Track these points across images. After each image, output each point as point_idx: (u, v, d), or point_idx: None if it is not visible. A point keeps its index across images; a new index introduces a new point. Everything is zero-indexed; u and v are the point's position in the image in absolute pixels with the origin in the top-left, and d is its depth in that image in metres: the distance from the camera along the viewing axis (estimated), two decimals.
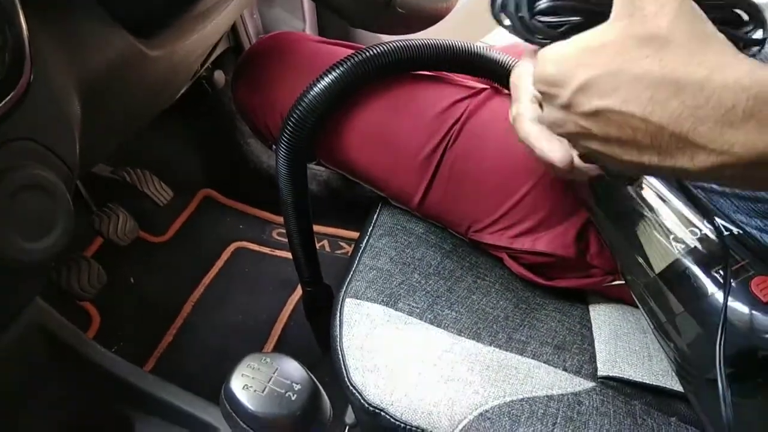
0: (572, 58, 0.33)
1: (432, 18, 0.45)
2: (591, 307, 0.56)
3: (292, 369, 0.38)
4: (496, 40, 1.41)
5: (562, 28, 0.35)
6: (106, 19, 0.48)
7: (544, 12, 0.36)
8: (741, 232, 0.43)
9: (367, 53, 0.55)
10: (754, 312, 0.39)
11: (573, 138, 0.36)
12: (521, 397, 0.48)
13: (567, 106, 0.33)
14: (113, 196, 1.02)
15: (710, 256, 0.42)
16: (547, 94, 0.35)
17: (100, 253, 1.01)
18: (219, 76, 0.98)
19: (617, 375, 0.50)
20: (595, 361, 0.51)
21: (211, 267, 1.05)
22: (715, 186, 0.48)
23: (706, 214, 0.44)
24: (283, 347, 0.94)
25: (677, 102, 0.29)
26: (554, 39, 0.35)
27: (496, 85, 0.60)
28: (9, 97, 0.37)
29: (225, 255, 1.07)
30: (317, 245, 1.09)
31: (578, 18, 0.35)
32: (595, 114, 0.32)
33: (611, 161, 0.34)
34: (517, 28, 0.37)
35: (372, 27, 0.51)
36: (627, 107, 0.31)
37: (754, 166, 0.29)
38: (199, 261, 1.05)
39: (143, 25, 0.51)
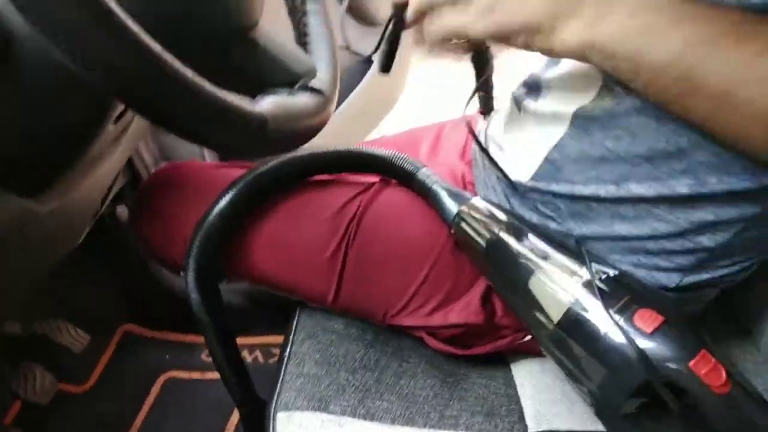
0: None
1: (306, 136, 0.49)
2: (512, 366, 0.59)
3: None
4: (391, 127, 1.50)
5: None
6: None
7: None
8: (617, 272, 0.48)
9: (259, 171, 0.58)
10: (642, 343, 0.43)
11: None
12: None
13: None
14: (26, 353, 0.97)
15: (596, 298, 0.46)
16: None
17: (20, 417, 0.94)
18: (121, 210, 0.98)
19: (546, 429, 0.52)
20: (524, 419, 0.53)
21: (142, 405, 1.00)
22: (587, 232, 0.53)
23: (584, 261, 0.49)
24: None
25: None
26: None
27: (383, 177, 0.65)
28: None
29: (155, 389, 1.02)
30: (249, 357, 1.07)
31: None
32: None
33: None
34: None
35: (249, 156, 0.54)
36: None
37: None
38: (128, 402, 1.00)
39: (29, 186, 0.51)
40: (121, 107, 0.52)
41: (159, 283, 1.08)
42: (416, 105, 1.78)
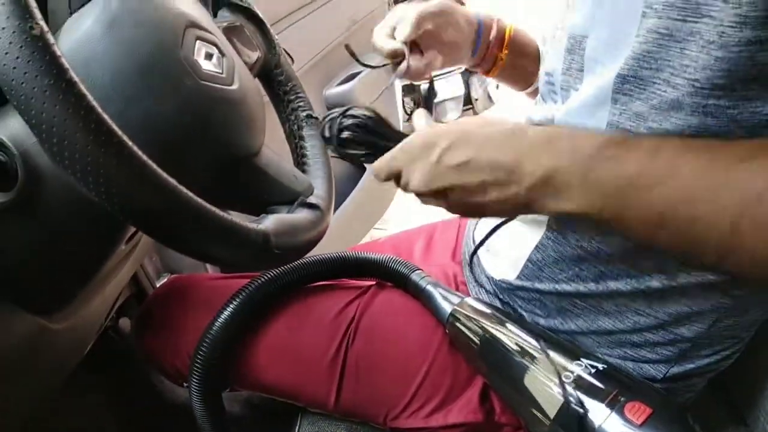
0: (431, 131, 0.48)
1: (306, 249, 0.53)
2: None
3: None
4: (383, 232, 1.55)
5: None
6: (8, 306, 0.51)
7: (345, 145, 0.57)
8: (606, 366, 0.50)
9: (260, 281, 0.61)
10: None
11: (443, 193, 0.47)
12: None
13: (438, 161, 0.45)
14: None
15: (587, 392, 0.48)
16: (417, 158, 0.48)
17: None
18: (124, 323, 1.00)
19: None
20: None
21: None
22: (574, 327, 0.56)
23: (575, 356, 0.52)
24: None
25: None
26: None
27: (379, 280, 0.68)
28: None
29: None
30: None
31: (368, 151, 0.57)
32: (460, 165, 0.44)
33: (476, 207, 0.46)
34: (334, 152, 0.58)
35: (252, 269, 0.58)
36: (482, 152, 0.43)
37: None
38: None
39: (43, 305, 0.54)
40: (132, 229, 0.56)
41: (159, 396, 1.07)
42: (413, 204, 1.85)
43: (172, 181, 0.40)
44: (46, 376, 0.65)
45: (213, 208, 0.43)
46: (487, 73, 0.74)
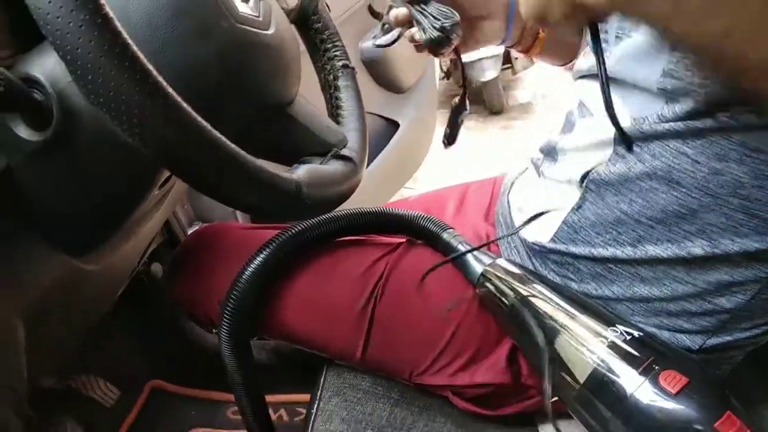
0: None
1: (338, 202, 0.52)
2: (539, 428, 0.59)
3: None
4: (421, 186, 1.54)
5: None
6: (44, 245, 0.52)
7: None
8: (641, 333, 0.49)
9: (289, 232, 0.61)
10: (667, 404, 0.43)
11: None
12: None
13: None
14: (59, 405, 0.99)
15: (621, 359, 0.47)
16: None
17: None
18: (156, 268, 1.02)
19: None
20: None
21: None
22: (608, 293, 0.55)
23: (610, 322, 0.50)
24: None
25: None
26: None
27: (409, 237, 0.67)
28: None
29: None
30: (274, 416, 1.07)
31: None
32: None
33: None
34: None
35: (282, 219, 0.58)
36: None
37: None
38: None
39: (79, 246, 0.55)
40: (165, 174, 0.56)
41: (188, 340, 1.10)
42: (443, 165, 1.83)
43: (207, 124, 0.40)
44: (80, 316, 0.67)
45: (247, 155, 0.42)
46: (527, 51, 0.70)
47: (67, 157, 0.48)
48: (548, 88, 2.79)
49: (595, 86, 0.55)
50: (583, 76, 0.59)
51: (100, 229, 0.56)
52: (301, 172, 0.48)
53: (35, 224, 0.51)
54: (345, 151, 0.56)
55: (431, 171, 1.73)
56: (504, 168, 0.82)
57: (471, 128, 2.66)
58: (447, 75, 2.74)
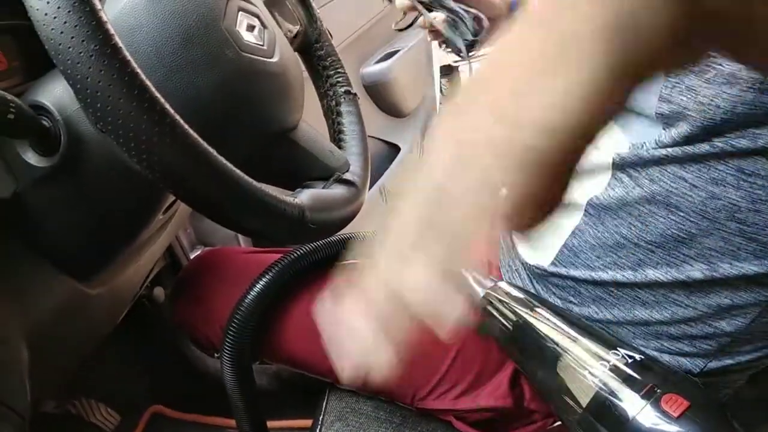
0: None
1: (341, 225, 0.53)
2: None
3: None
4: None
5: None
6: (49, 269, 0.52)
7: None
8: (643, 356, 0.49)
9: (291, 257, 0.62)
10: (669, 427, 0.43)
11: None
12: None
13: None
14: (59, 431, 0.98)
15: (623, 383, 0.47)
16: None
17: None
18: (158, 292, 1.02)
19: None
20: None
21: None
22: (609, 316, 0.55)
23: (611, 345, 0.51)
24: None
25: None
26: None
27: None
28: None
29: None
30: None
31: None
32: None
33: None
34: None
35: (285, 243, 0.58)
36: None
37: None
38: None
39: (84, 270, 0.55)
40: (170, 199, 0.56)
41: (190, 365, 1.10)
42: None
43: (212, 151, 0.41)
44: (83, 340, 0.67)
45: (251, 181, 0.43)
46: None
47: (74, 183, 0.49)
48: None
49: None
50: None
51: (104, 253, 0.57)
52: (304, 196, 0.49)
53: (41, 248, 0.52)
54: (347, 176, 0.57)
55: None
56: None
57: None
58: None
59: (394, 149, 1.37)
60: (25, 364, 0.49)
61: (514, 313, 0.56)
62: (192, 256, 1.06)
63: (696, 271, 0.48)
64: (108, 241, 0.55)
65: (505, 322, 0.56)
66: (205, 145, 0.40)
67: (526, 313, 0.56)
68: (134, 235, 0.56)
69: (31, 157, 0.46)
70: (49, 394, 0.92)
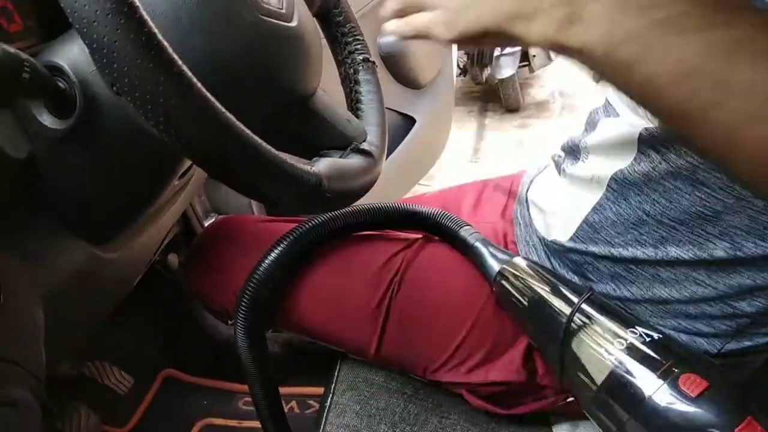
0: None
1: (357, 195, 0.52)
2: (554, 428, 0.59)
3: None
4: (436, 184, 1.54)
5: None
6: (65, 234, 0.52)
7: None
8: (661, 335, 0.49)
9: (307, 225, 0.61)
10: (686, 407, 0.43)
11: None
12: None
13: None
14: (73, 392, 1.00)
15: (639, 361, 0.47)
16: None
17: None
18: (172, 258, 1.02)
19: None
20: None
21: None
22: (627, 294, 0.54)
23: (629, 324, 0.50)
24: None
25: None
26: None
27: (426, 233, 0.67)
28: None
29: None
30: (286, 408, 1.08)
31: None
32: None
33: None
34: None
35: (302, 212, 0.57)
36: None
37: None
38: None
39: (99, 235, 0.55)
40: (186, 164, 0.56)
41: (202, 331, 1.11)
42: (458, 162, 1.82)
43: (230, 115, 0.40)
44: (97, 304, 0.67)
45: (269, 147, 0.42)
46: None
47: (90, 146, 0.48)
48: (566, 87, 2.77)
49: None
50: None
51: (120, 218, 0.56)
52: (321, 165, 0.48)
53: (56, 212, 0.51)
54: (364, 145, 0.56)
55: (446, 168, 1.72)
56: (519, 166, 0.81)
57: (486, 126, 2.64)
58: (463, 72, 2.73)
59: (410, 121, 1.35)
60: (41, 328, 0.49)
61: (530, 288, 0.56)
62: (206, 224, 1.06)
63: (719, 250, 0.47)
64: (123, 206, 0.55)
65: (521, 298, 0.56)
66: (223, 109, 0.39)
67: (542, 288, 0.55)
68: (150, 201, 0.56)
69: (47, 119, 0.45)
70: (64, 357, 0.93)
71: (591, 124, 0.58)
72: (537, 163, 0.72)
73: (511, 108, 2.68)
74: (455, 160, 1.80)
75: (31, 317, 0.48)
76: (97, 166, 0.50)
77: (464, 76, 2.76)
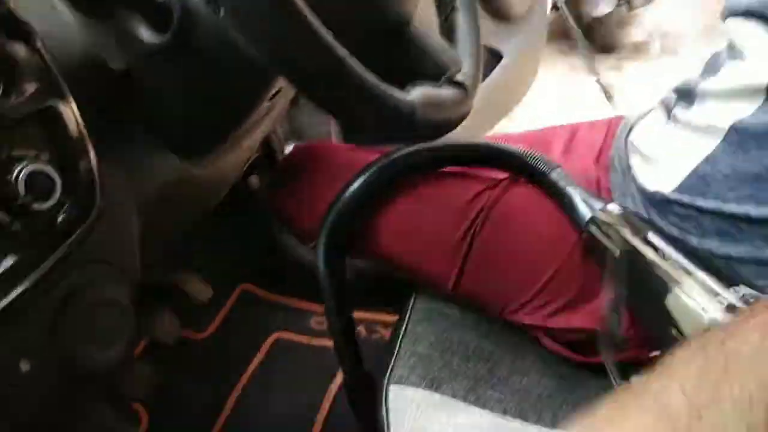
0: None
1: (449, 127, 0.51)
2: (633, 380, 0.57)
3: None
4: (516, 125, 1.49)
5: None
6: (159, 148, 0.54)
7: None
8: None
9: (392, 157, 0.60)
10: None
11: None
12: None
13: None
14: (158, 297, 1.07)
15: None
16: None
17: (146, 352, 1.05)
18: (254, 179, 1.05)
19: None
20: None
21: (252, 359, 1.07)
22: (733, 253, 0.51)
23: (731, 282, 0.47)
24: None
25: None
26: None
27: (513, 174, 0.65)
28: (84, 225, 0.42)
29: (265, 347, 1.10)
30: None
31: None
32: None
33: None
34: None
35: (395, 142, 0.57)
36: None
37: None
38: (240, 354, 1.08)
39: (191, 151, 0.57)
40: (278, 85, 0.56)
41: (279, 250, 1.15)
42: (545, 104, 1.74)
43: (329, 36, 0.39)
44: (186, 216, 0.70)
45: (366, 70, 0.41)
46: None
47: (185, 61, 0.49)
48: (667, 28, 2.55)
49: (750, 27, 0.49)
50: (735, 14, 0.53)
51: (211, 135, 0.58)
52: (415, 93, 0.47)
53: (151, 126, 0.53)
54: (459, 77, 0.54)
55: (530, 110, 1.65)
56: (610, 112, 0.76)
57: (577, 67, 2.50)
58: (554, 6, 2.57)
59: (497, 57, 1.29)
60: (137, 234, 0.52)
61: (624, 239, 0.53)
62: (286, 150, 1.08)
63: None
64: (215, 123, 0.56)
65: (613, 248, 0.53)
66: (323, 29, 0.38)
67: (636, 239, 0.52)
68: (241, 119, 0.56)
69: (144, 33, 0.45)
70: (152, 264, 0.99)
71: (711, 67, 0.53)
72: (631, 108, 0.67)
73: (606, 48, 2.51)
74: (540, 102, 1.71)
75: (128, 223, 0.50)
76: (191, 83, 0.51)
77: (556, 11, 2.59)
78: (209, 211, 0.81)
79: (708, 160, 0.50)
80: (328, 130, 1.09)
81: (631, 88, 2.23)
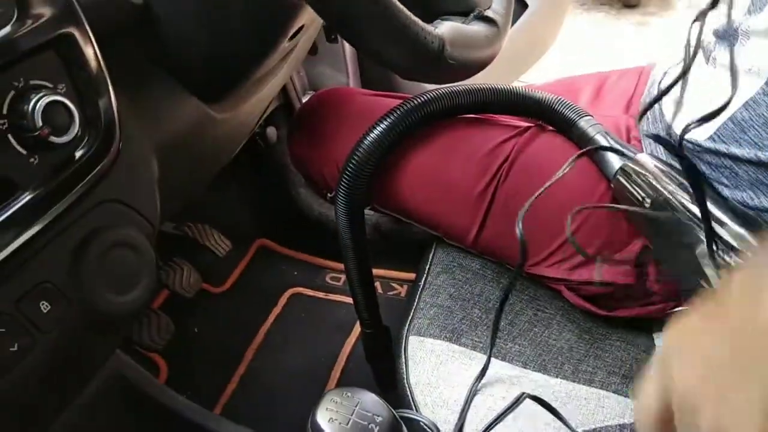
0: None
1: (479, 67, 0.48)
2: (656, 335, 0.56)
3: (373, 402, 0.40)
4: (534, 79, 1.45)
5: None
6: (179, 89, 0.53)
7: None
8: None
9: (415, 102, 0.58)
10: None
11: None
12: (593, 427, 0.48)
13: None
14: (177, 250, 1.07)
15: None
16: None
17: (165, 304, 1.05)
18: (271, 131, 1.03)
19: None
20: None
21: (269, 313, 1.08)
22: (767, 205, 0.48)
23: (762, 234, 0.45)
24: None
25: None
26: None
27: (540, 122, 0.62)
28: (103, 163, 0.41)
29: (282, 301, 1.10)
30: None
31: None
32: None
33: None
34: None
35: (422, 79, 0.54)
36: None
37: None
38: (258, 308, 1.08)
39: (211, 92, 0.55)
40: (298, 24, 0.54)
41: (296, 206, 1.14)
42: (568, 58, 1.68)
43: None
44: (205, 163, 0.69)
45: (396, 2, 0.39)
46: None
47: (202, 2, 0.47)
48: None
49: None
50: None
51: (231, 76, 0.56)
52: (444, 28, 0.45)
53: (171, 67, 0.51)
54: (489, 13, 0.51)
55: (554, 63, 1.60)
56: (640, 62, 0.73)
57: (600, 22, 2.42)
58: None
59: (522, 5, 1.25)
60: (155, 177, 0.51)
61: (653, 188, 0.51)
62: (303, 100, 1.06)
63: None
64: (235, 64, 0.54)
65: (642, 197, 0.51)
66: None
67: (669, 190, 0.50)
68: (260, 60, 0.55)
69: None
70: (171, 212, 0.99)
71: (758, 3, 0.50)
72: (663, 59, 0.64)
73: (630, 3, 2.42)
74: (564, 56, 1.66)
75: (146, 165, 0.49)
76: (209, 19, 0.49)
77: None
78: (227, 162, 0.80)
79: (747, 105, 0.48)
80: (346, 81, 1.07)
81: (658, 43, 2.15)
